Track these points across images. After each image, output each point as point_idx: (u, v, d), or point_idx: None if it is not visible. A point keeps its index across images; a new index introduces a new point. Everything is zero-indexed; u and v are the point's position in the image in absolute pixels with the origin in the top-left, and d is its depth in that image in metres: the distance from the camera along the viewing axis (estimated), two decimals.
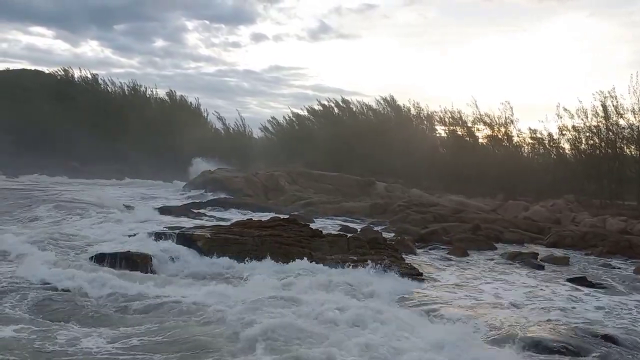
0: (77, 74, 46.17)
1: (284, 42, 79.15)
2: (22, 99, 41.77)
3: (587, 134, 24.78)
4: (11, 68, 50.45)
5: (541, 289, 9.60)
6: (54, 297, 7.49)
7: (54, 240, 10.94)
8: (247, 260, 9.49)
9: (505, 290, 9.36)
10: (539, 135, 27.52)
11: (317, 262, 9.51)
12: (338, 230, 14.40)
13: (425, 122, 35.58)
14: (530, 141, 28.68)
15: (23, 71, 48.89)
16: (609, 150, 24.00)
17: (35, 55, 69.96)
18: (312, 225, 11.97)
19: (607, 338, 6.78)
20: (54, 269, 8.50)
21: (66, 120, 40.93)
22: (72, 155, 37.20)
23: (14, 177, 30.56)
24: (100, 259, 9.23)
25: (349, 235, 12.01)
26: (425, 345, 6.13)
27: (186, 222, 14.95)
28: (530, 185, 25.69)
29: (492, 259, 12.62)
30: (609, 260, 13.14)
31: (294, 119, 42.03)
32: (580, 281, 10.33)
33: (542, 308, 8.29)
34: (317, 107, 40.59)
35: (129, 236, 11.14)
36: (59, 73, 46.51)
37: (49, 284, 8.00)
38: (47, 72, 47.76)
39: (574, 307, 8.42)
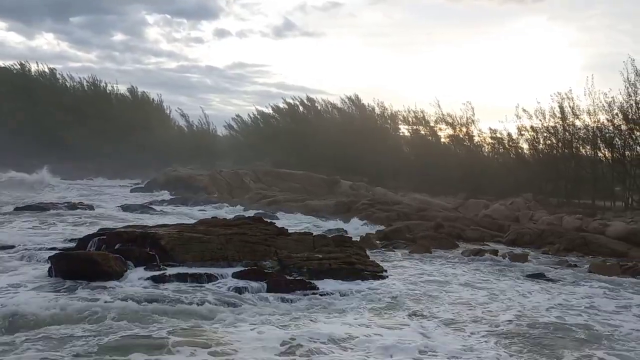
0: (33, 68, 44.82)
1: (248, 38, 78.91)
2: None
3: (545, 135, 25.49)
4: None
5: (501, 285, 9.86)
6: None
7: None
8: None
9: (467, 286, 9.59)
10: (498, 135, 28.18)
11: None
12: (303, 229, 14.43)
13: (389, 122, 36.00)
14: (491, 141, 29.34)
15: None
16: (566, 151, 24.76)
17: None
18: (278, 224, 11.93)
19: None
20: None
21: (22, 116, 39.70)
22: (28, 153, 36.04)
23: None
24: None
25: (314, 233, 12.04)
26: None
27: (148, 220, 14.72)
28: (491, 184, 26.26)
29: (454, 257, 12.88)
30: (565, 257, 13.59)
31: (258, 117, 41.89)
32: (537, 277, 10.69)
33: (503, 301, 8.54)
34: (282, 105, 40.57)
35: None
36: (15, 67, 45.02)
37: None
38: (2, 65, 46.18)
39: (532, 300, 8.70)
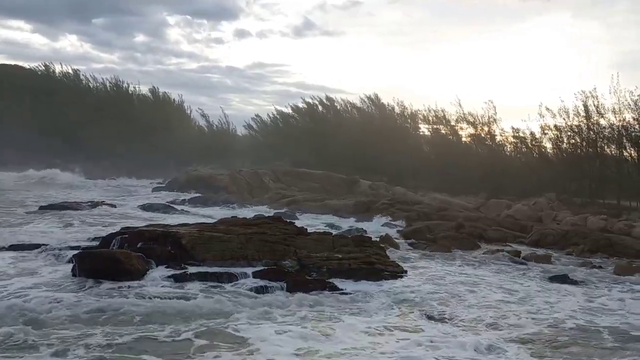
0: (57, 69, 45.58)
1: (268, 38, 78.96)
2: (5, 95, 41.25)
3: (569, 134, 25.09)
4: None
5: (524, 287, 9.71)
6: None
7: None
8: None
9: (488, 288, 9.46)
10: (521, 135, 27.82)
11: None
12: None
13: (409, 121, 35.73)
14: (513, 140, 28.98)
15: (3, 66, 48.08)
16: (590, 150, 24.34)
17: (13, 50, 68.96)
18: (297, 223, 11.93)
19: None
20: None
21: (47, 117, 40.48)
22: (52, 153, 36.74)
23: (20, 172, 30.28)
24: None
25: (334, 233, 12.01)
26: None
27: (169, 219, 14.86)
28: (512, 183, 25.94)
29: (476, 257, 12.73)
30: (590, 258, 13.34)
31: (278, 116, 41.92)
32: (561, 279, 10.49)
33: (526, 304, 8.40)
34: (301, 104, 40.54)
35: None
36: (40, 68, 45.86)
37: None
38: (27, 67, 47.08)
39: (556, 303, 8.53)
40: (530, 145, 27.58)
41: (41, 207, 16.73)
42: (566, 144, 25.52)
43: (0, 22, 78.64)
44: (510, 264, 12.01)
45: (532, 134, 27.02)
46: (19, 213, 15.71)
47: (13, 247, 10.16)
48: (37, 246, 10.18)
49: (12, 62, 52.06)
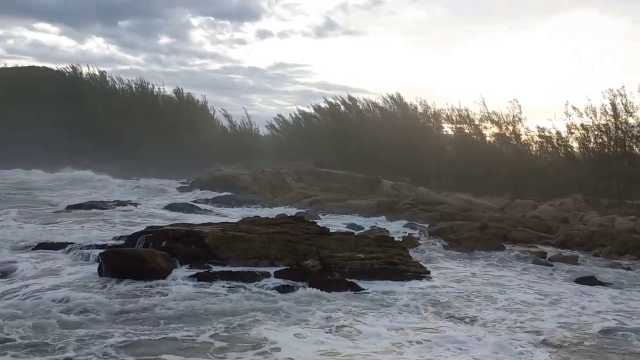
0: (84, 70, 46.48)
1: (289, 38, 79.38)
2: (33, 97, 42.29)
3: (596, 133, 24.64)
4: (19, 65, 50.91)
5: (550, 288, 9.55)
6: None
7: None
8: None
9: (513, 289, 9.32)
10: (547, 134, 27.39)
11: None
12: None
13: (432, 120, 35.45)
14: (538, 140, 28.55)
15: (32, 68, 49.26)
16: (618, 149, 23.85)
17: (41, 52, 70.74)
18: (319, 223, 11.93)
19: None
20: None
21: (74, 118, 41.36)
22: (82, 153, 37.53)
23: (51, 173, 31.07)
24: None
25: (356, 233, 11.98)
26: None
27: (193, 219, 15.01)
28: (538, 184, 25.54)
29: (500, 258, 12.55)
30: (618, 260, 13.05)
31: (300, 116, 42.04)
32: (588, 280, 10.28)
33: (553, 306, 8.26)
34: (323, 104, 40.56)
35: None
36: (67, 70, 46.83)
37: None
38: (55, 69, 48.12)
39: (583, 306, 8.38)
40: (556, 144, 27.14)
41: (69, 207, 17.06)
42: (593, 144, 25.06)
43: (28, 25, 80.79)
44: (536, 265, 11.82)
45: (558, 133, 26.61)
46: (47, 212, 16.04)
47: (40, 246, 10.37)
48: (63, 245, 10.37)
49: (41, 64, 53.41)
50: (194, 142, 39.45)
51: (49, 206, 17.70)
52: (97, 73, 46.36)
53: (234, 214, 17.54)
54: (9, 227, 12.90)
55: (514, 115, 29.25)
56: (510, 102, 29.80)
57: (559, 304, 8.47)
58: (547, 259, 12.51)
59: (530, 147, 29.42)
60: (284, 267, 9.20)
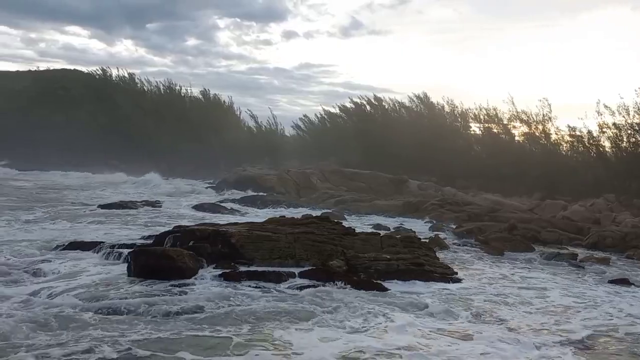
0: (114, 73, 47.38)
1: (315, 39, 79.40)
2: (65, 99, 43.35)
3: (629, 132, 24.00)
4: (51, 68, 52.22)
5: (582, 290, 9.33)
6: None
7: None
8: None
9: (545, 291, 9.14)
10: (578, 133, 26.77)
11: None
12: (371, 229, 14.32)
13: (459, 120, 34.97)
14: (569, 139, 27.91)
15: (63, 71, 50.48)
16: None
17: (72, 55, 72.30)
18: (345, 223, 11.89)
19: None
20: None
21: (104, 119, 42.23)
22: (111, 153, 38.31)
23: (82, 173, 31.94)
24: None
25: (382, 233, 11.91)
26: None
27: (219, 218, 15.14)
28: (568, 184, 24.99)
29: (529, 259, 12.33)
30: None
31: (325, 116, 42.00)
32: (622, 282, 10.02)
33: (585, 309, 8.07)
34: (348, 104, 40.45)
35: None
36: (97, 72, 47.81)
37: None
38: (85, 71, 49.19)
39: (620, 308, 8.19)
40: (587, 144, 26.52)
41: (100, 206, 17.40)
42: (626, 143, 24.40)
43: (60, 28, 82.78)
44: (566, 267, 11.57)
45: (589, 132, 25.99)
46: (79, 212, 16.38)
47: (70, 245, 10.58)
48: (93, 244, 10.55)
49: (72, 67, 54.66)
50: (220, 143, 39.82)
51: (80, 206, 18.09)
52: (126, 75, 47.24)
53: (260, 214, 17.62)
54: (40, 226, 13.22)
55: (543, 115, 28.70)
56: (540, 100, 29.26)
57: (592, 306, 8.27)
58: (578, 260, 12.23)
59: (561, 146, 28.81)
60: (309, 268, 9.19)
